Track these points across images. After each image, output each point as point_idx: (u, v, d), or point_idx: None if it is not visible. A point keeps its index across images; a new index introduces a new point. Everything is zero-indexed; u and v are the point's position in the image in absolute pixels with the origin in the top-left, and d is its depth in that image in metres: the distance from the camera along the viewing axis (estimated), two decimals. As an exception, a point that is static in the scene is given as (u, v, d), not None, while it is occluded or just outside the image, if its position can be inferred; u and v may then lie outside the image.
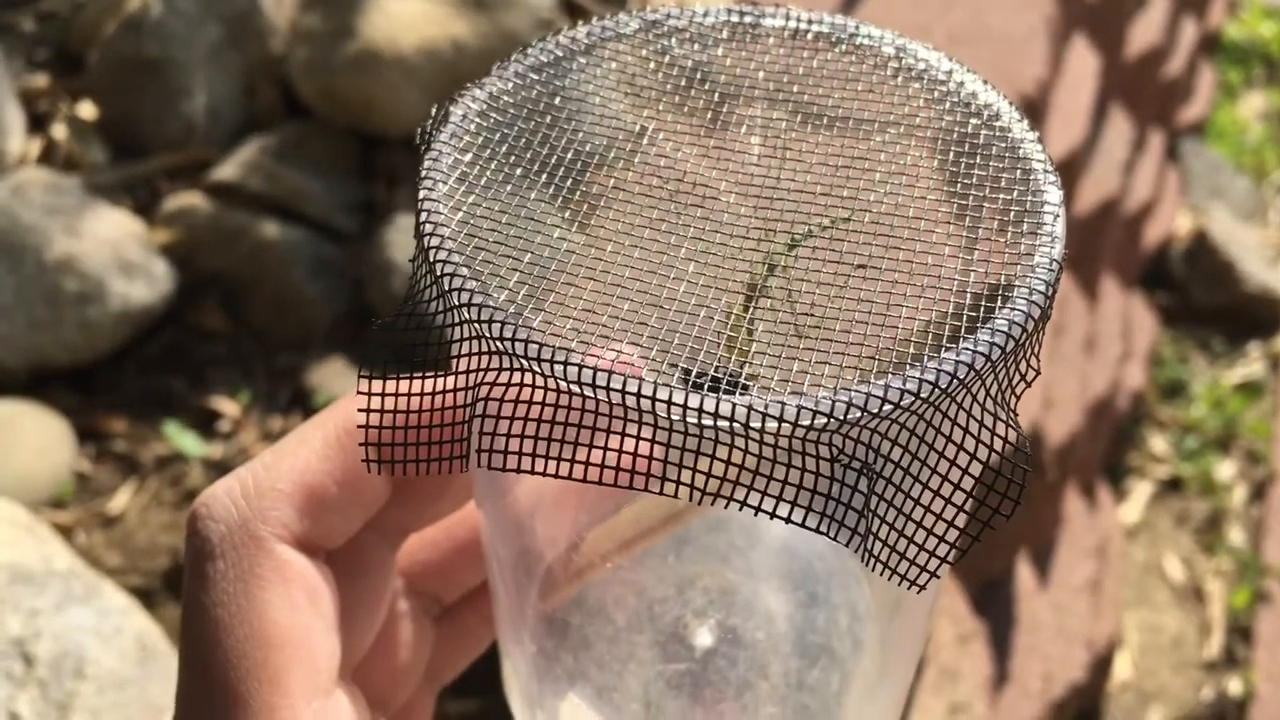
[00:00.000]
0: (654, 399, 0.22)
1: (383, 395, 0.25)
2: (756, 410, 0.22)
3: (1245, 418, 1.52)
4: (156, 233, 1.13)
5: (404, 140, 1.17)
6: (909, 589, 0.23)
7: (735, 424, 0.22)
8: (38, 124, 1.24)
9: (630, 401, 0.22)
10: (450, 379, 0.25)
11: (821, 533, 0.23)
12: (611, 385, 0.22)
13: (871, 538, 0.23)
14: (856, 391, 0.22)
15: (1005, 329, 0.24)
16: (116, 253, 1.08)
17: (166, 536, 1.01)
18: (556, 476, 0.23)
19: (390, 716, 0.32)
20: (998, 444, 0.24)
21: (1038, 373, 0.25)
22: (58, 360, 1.07)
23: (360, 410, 0.25)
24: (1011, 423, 0.24)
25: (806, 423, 0.22)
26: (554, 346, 0.23)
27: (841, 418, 0.22)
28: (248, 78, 1.22)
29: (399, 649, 0.31)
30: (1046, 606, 1.14)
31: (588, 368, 0.22)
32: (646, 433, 0.23)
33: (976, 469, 0.23)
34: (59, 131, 1.20)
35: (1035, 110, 1.20)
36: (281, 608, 0.26)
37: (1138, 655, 1.30)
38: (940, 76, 0.30)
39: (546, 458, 0.23)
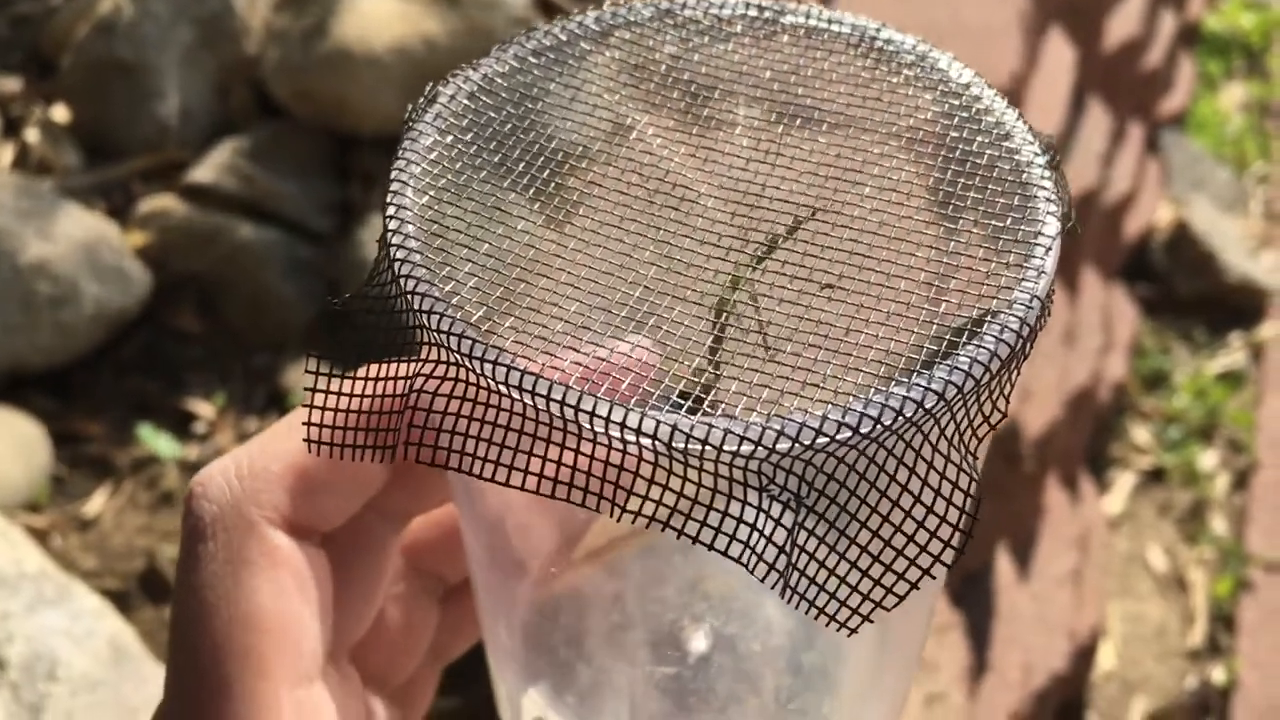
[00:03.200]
0: (563, 404, 0.21)
1: (329, 377, 0.25)
2: (681, 431, 0.21)
3: (1227, 407, 1.53)
4: (131, 235, 1.13)
5: (378, 140, 1.17)
6: (838, 630, 0.22)
7: (656, 442, 0.21)
8: (10, 128, 1.24)
9: (545, 407, 0.22)
10: (393, 367, 0.25)
11: (741, 564, 0.22)
12: (526, 387, 0.22)
13: (796, 574, 0.22)
14: (788, 420, 0.21)
15: (966, 367, 0.22)
16: (90, 256, 1.08)
17: (142, 539, 1.00)
18: (479, 477, 0.23)
19: (390, 694, 0.32)
20: (946, 488, 0.22)
21: (1004, 415, 0.23)
22: (32, 363, 1.07)
23: (306, 389, 0.25)
24: (966, 467, 0.22)
25: (731, 448, 0.21)
26: (485, 343, 0.22)
27: (770, 446, 0.21)
28: (221, 79, 1.22)
29: (400, 629, 0.31)
30: (1027, 597, 1.14)
31: (515, 369, 0.22)
32: (571, 442, 0.22)
33: (920, 512, 0.22)
34: (32, 135, 1.20)
35: (1011, 103, 1.20)
36: (268, 593, 0.26)
37: (1121, 645, 1.31)
38: (955, 89, 0.28)
39: (474, 457, 0.23)
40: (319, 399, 0.25)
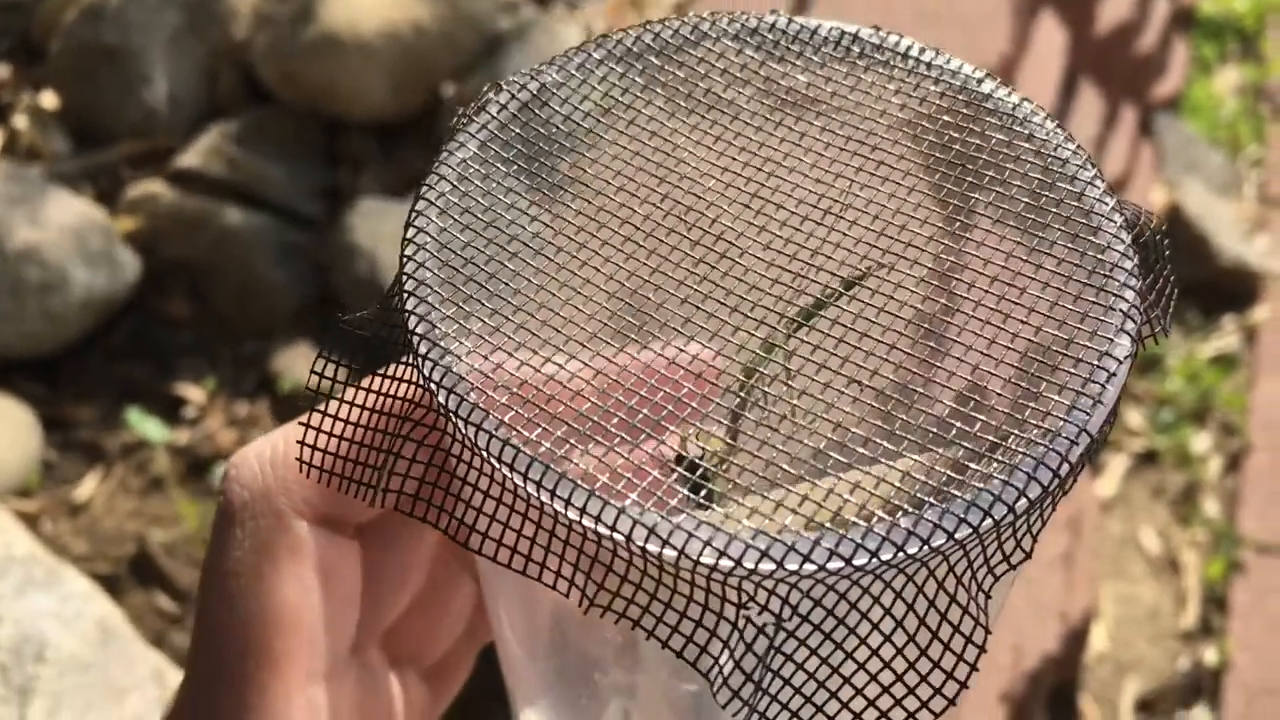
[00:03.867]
0: (525, 478, 0.20)
1: (327, 400, 0.24)
2: (657, 535, 0.19)
3: (1220, 390, 1.53)
4: (119, 221, 1.13)
5: (367, 124, 1.17)
6: None
7: (631, 543, 0.19)
8: None
9: (520, 484, 0.20)
10: (388, 402, 0.24)
11: (708, 680, 0.20)
12: (506, 459, 0.20)
13: (765, 698, 0.20)
14: (775, 541, 0.19)
15: (986, 505, 0.19)
16: (79, 241, 1.08)
17: (133, 523, 1.00)
18: (450, 536, 0.22)
19: (424, 672, 0.31)
20: (946, 632, 0.20)
21: (1027, 555, 0.20)
22: (22, 350, 1.07)
23: (301, 420, 0.24)
24: (974, 611, 0.20)
25: (709, 561, 0.19)
26: (489, 431, 0.21)
27: (751, 566, 0.19)
28: (209, 64, 1.22)
29: (435, 607, 0.31)
30: (1018, 580, 1.14)
31: (483, 430, 0.21)
32: (547, 523, 0.21)
33: (913, 653, 0.20)
34: (20, 121, 1.20)
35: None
36: (291, 588, 0.25)
37: (1114, 627, 1.31)
38: (1078, 174, 0.24)
39: (449, 515, 0.22)
40: (315, 420, 0.24)
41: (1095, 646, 1.27)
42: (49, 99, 1.23)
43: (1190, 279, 1.63)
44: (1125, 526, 1.40)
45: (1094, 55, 1.59)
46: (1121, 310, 0.22)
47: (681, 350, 0.22)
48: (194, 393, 1.07)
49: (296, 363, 1.09)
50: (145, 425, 1.01)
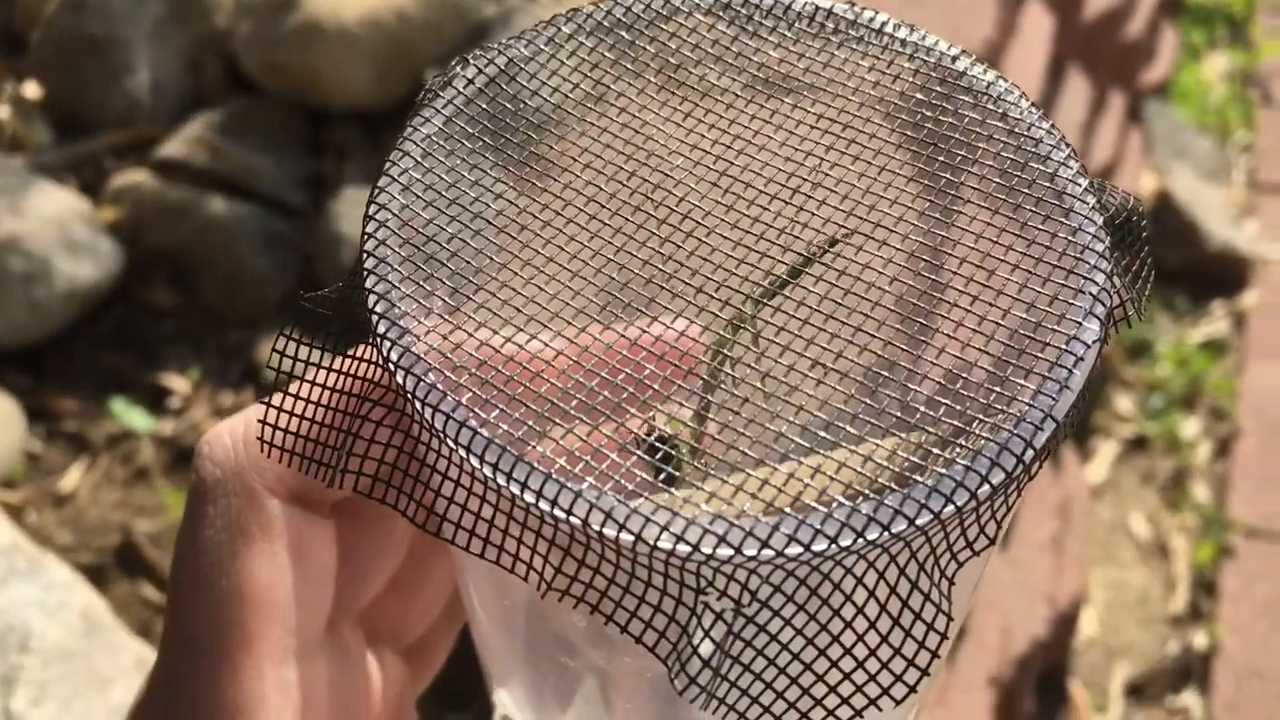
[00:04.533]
0: (482, 460, 0.20)
1: (288, 379, 0.24)
2: (614, 519, 0.19)
3: (1209, 375, 1.53)
4: (103, 211, 1.12)
5: (351, 113, 1.16)
6: None
7: (574, 520, 0.19)
8: (-18, 106, 1.23)
9: (477, 466, 0.20)
10: (348, 382, 0.24)
11: (665, 665, 0.20)
12: (448, 435, 0.20)
13: (724, 683, 0.20)
14: (733, 525, 0.19)
15: (948, 491, 0.19)
16: (63, 232, 1.08)
17: (117, 514, 1.00)
18: (411, 520, 0.22)
19: (404, 651, 0.31)
20: (907, 618, 0.19)
21: (992, 541, 0.20)
22: (6, 341, 1.06)
23: (262, 400, 0.24)
24: (936, 598, 0.20)
25: (666, 546, 0.19)
26: (446, 412, 0.20)
27: (709, 551, 0.19)
28: (192, 53, 1.21)
29: (413, 588, 0.31)
30: (1006, 564, 1.14)
31: (441, 411, 0.20)
32: (504, 505, 0.20)
33: (874, 639, 0.20)
34: (3, 112, 1.20)
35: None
36: (263, 566, 0.25)
37: (1104, 612, 1.31)
38: (1022, 133, 0.24)
39: (410, 498, 0.22)
40: (277, 400, 0.24)
41: (1085, 631, 1.27)
42: (31, 89, 1.23)
43: (1179, 264, 1.63)
44: (1115, 512, 1.40)
45: (1082, 41, 1.59)
46: (1091, 293, 0.21)
47: (644, 331, 0.22)
48: (179, 383, 1.07)
49: (270, 370, 1.08)
50: (130, 415, 1.01)
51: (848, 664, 0.19)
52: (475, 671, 0.33)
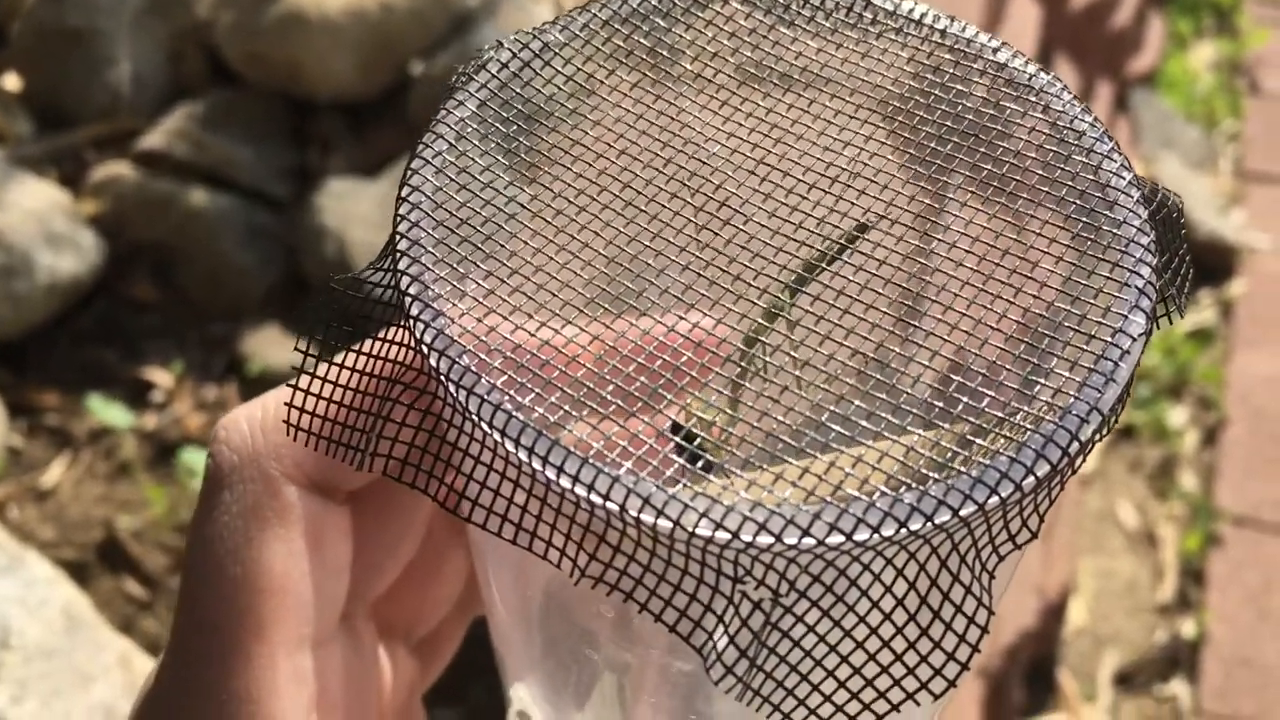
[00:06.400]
0: (517, 444, 0.19)
1: (316, 361, 0.23)
2: (652, 505, 0.19)
3: (1197, 364, 1.53)
4: (84, 204, 1.12)
5: (334, 104, 1.15)
6: None
7: (611, 507, 0.19)
8: (-38, 98, 1.22)
9: (513, 449, 0.20)
10: (377, 364, 0.23)
11: (701, 655, 0.20)
12: (497, 425, 0.20)
13: (760, 675, 0.19)
14: (774, 514, 0.18)
15: (993, 482, 0.19)
16: (43, 225, 1.07)
17: (100, 509, 0.99)
18: (441, 504, 0.22)
19: (414, 645, 0.31)
20: (948, 611, 0.19)
21: (1034, 535, 0.20)
22: (-14, 335, 1.05)
23: (294, 368, 0.24)
24: (977, 591, 0.19)
25: (705, 533, 0.18)
26: (481, 396, 0.20)
27: (748, 539, 0.18)
28: (173, 45, 1.20)
29: (426, 580, 0.30)
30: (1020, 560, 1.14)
31: (475, 394, 0.20)
32: (539, 490, 0.20)
33: (913, 632, 0.19)
34: (-18, 105, 1.19)
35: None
36: (278, 554, 0.25)
37: (1092, 601, 1.31)
38: (1067, 128, 0.23)
39: (440, 481, 0.22)
40: (304, 382, 0.24)
41: (1073, 621, 1.27)
42: (11, 81, 1.22)
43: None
44: (1103, 501, 1.40)
45: (1069, 30, 1.59)
46: (1137, 287, 0.21)
47: (681, 318, 0.21)
48: (161, 376, 1.06)
49: (265, 345, 1.08)
50: (108, 412, 1.00)
51: (885, 657, 0.19)
52: (466, 668, 0.33)
